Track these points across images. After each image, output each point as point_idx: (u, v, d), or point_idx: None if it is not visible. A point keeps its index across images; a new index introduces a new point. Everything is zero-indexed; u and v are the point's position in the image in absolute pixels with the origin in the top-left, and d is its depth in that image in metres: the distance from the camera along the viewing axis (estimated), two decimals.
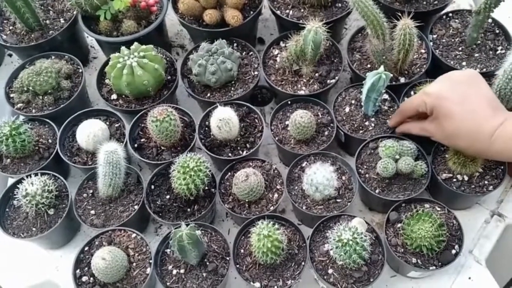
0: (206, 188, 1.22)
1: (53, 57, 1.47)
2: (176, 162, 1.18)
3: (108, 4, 1.44)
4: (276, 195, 1.24)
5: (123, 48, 1.36)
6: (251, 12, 1.48)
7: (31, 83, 1.36)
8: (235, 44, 1.49)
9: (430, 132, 1.18)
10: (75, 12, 1.49)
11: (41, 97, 1.38)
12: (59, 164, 1.32)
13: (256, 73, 1.44)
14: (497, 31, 1.44)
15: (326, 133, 1.34)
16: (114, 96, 1.41)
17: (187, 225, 1.06)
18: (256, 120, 1.37)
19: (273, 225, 1.08)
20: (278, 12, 1.48)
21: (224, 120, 1.25)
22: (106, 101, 1.40)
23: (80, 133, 1.29)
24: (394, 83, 1.37)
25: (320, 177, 1.18)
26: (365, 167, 1.27)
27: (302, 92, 1.39)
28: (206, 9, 1.43)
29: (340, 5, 1.47)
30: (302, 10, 1.48)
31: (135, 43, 1.37)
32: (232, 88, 1.42)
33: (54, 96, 1.39)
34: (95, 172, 1.23)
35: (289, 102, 1.38)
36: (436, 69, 1.41)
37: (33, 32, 1.51)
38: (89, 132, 1.27)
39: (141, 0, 1.44)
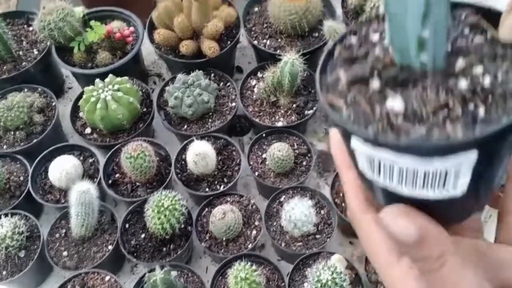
0: (182, 226, 1.19)
1: (26, 89, 1.43)
2: (150, 200, 1.15)
3: (82, 35, 1.42)
4: (254, 231, 1.22)
5: (97, 81, 1.33)
6: (229, 42, 1.46)
7: (2, 119, 1.32)
8: (212, 75, 1.47)
9: None
10: (48, 43, 1.46)
11: (12, 132, 1.35)
12: (31, 203, 1.28)
13: (233, 104, 1.42)
14: None
15: (304, 163, 1.32)
16: (88, 130, 1.38)
17: (162, 267, 1.03)
18: (234, 153, 1.35)
19: (251, 266, 1.06)
20: (255, 42, 1.47)
21: (201, 155, 1.23)
22: (80, 135, 1.37)
23: (52, 171, 1.25)
24: None
25: (298, 213, 1.16)
26: (341, 195, 1.25)
27: (280, 124, 1.37)
28: (182, 40, 1.41)
29: (317, 34, 1.46)
30: (279, 40, 1.47)
31: (110, 76, 1.35)
32: (210, 120, 1.39)
33: (26, 131, 1.35)
34: (68, 210, 1.19)
35: (263, 135, 1.36)
36: None
37: (6, 64, 1.47)
38: (62, 169, 1.24)
39: (115, 31, 1.42)
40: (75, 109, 1.42)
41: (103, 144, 1.35)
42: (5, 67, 1.47)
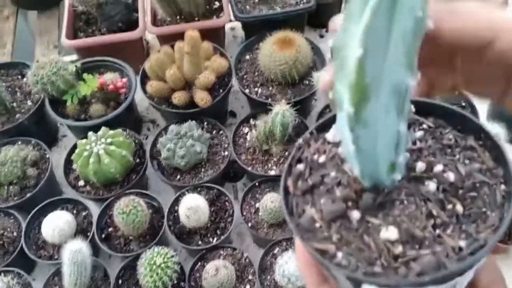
0: (175, 282, 1.19)
1: (19, 142, 1.44)
2: (143, 257, 1.15)
3: (75, 88, 1.43)
4: (248, 286, 1.21)
5: (90, 134, 1.34)
6: (221, 91, 1.47)
7: None
8: (205, 123, 1.48)
9: None
10: (42, 95, 1.48)
11: (5, 187, 1.35)
12: (25, 259, 1.28)
13: (226, 153, 1.42)
14: None
15: None
16: (81, 183, 1.39)
17: None
18: (227, 203, 1.35)
19: None
20: (247, 90, 1.48)
21: (193, 209, 1.23)
22: (73, 188, 1.37)
23: (45, 228, 1.25)
24: None
25: (292, 267, 1.16)
26: None
27: (273, 172, 1.37)
28: (175, 90, 1.43)
29: (307, 82, 1.48)
30: (271, 88, 1.48)
31: (103, 128, 1.35)
32: (202, 170, 1.40)
33: (19, 185, 1.36)
34: (61, 267, 1.19)
35: (256, 184, 1.36)
36: None
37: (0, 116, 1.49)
38: (55, 226, 1.24)
39: (109, 83, 1.43)
40: (69, 161, 1.42)
41: (96, 197, 1.35)
42: None
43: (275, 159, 1.40)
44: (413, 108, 0.37)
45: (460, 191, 0.36)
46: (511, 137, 1.24)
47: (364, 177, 0.36)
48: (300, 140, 0.42)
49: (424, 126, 0.40)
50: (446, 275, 0.33)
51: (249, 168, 1.38)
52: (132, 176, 1.38)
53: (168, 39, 1.55)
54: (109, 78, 1.45)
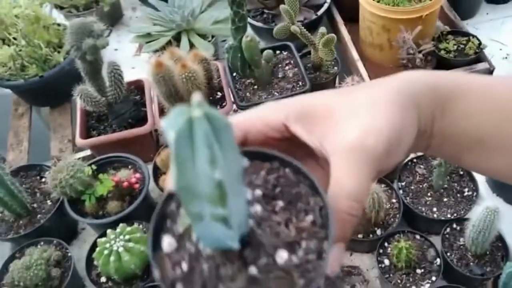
0: None
1: (42, 243, 1.52)
2: None
3: (92, 187, 1.52)
4: None
5: (109, 232, 1.41)
6: None
7: (22, 279, 1.40)
8: None
9: None
10: (61, 197, 1.56)
11: None
12: None
13: None
14: (461, 173, 1.53)
15: None
16: (103, 279, 1.45)
17: None
18: None
19: None
20: None
21: None
22: (96, 285, 1.43)
23: None
24: (371, 236, 1.43)
25: None
26: None
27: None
28: None
29: None
30: None
31: (121, 225, 1.43)
32: None
33: (44, 287, 1.42)
34: None
35: None
36: (409, 216, 1.49)
37: (21, 218, 1.57)
38: None
39: (123, 180, 1.52)
40: (90, 258, 1.49)
41: None
42: (21, 222, 1.56)
43: None
44: None
45: (272, 195, 0.42)
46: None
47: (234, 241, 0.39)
48: (156, 273, 0.40)
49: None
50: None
51: None
52: (151, 269, 1.45)
53: None
54: (123, 175, 1.54)
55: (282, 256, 0.38)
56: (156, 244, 0.40)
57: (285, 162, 0.44)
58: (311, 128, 0.47)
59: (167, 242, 0.40)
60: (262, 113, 0.49)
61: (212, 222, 0.36)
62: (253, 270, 0.38)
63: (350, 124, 0.46)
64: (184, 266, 0.39)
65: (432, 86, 0.50)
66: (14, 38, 1.91)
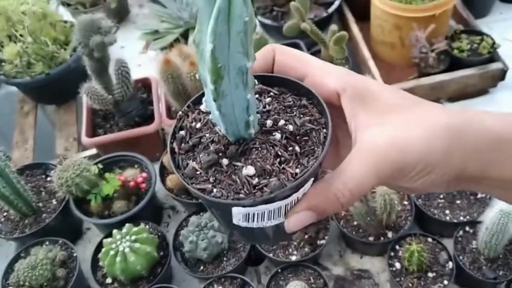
0: None
1: (47, 243, 1.50)
2: None
3: (98, 186, 1.49)
4: None
5: (114, 232, 1.39)
6: None
7: (27, 278, 1.37)
8: None
9: None
10: (66, 196, 1.54)
11: None
12: None
13: None
14: None
15: None
16: (109, 280, 1.43)
17: None
18: None
19: None
20: None
21: None
22: (101, 286, 1.41)
23: None
24: (382, 239, 1.40)
25: None
26: None
27: (294, 258, 1.41)
28: None
29: None
30: None
31: (127, 225, 1.41)
32: (225, 259, 1.44)
33: (50, 287, 1.40)
34: None
35: (279, 270, 1.40)
36: (421, 218, 1.45)
37: (27, 217, 1.55)
38: None
39: (129, 179, 1.50)
40: (95, 258, 1.47)
41: None
42: (26, 221, 1.54)
43: (295, 243, 1.43)
44: (257, 82, 0.51)
45: (297, 137, 0.50)
46: None
47: (229, 134, 0.49)
48: (180, 112, 0.53)
49: (271, 93, 0.53)
50: (286, 191, 0.46)
51: (270, 255, 1.41)
52: (158, 270, 1.42)
53: None
54: (130, 174, 1.51)
55: (249, 170, 0.47)
56: (195, 103, 0.54)
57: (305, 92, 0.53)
58: (359, 111, 0.49)
59: (205, 104, 0.52)
60: (325, 68, 0.52)
61: (209, 94, 0.45)
62: (224, 161, 0.48)
63: (390, 129, 0.48)
64: (198, 124, 0.52)
65: (494, 135, 0.49)
66: (21, 35, 1.89)
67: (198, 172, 0.48)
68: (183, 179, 0.49)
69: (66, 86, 1.86)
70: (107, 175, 1.49)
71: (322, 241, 1.43)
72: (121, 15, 2.36)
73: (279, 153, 0.48)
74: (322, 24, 1.89)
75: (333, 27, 1.59)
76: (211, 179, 0.48)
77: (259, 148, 0.49)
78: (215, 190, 0.47)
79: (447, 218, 1.42)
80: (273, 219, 0.48)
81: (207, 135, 0.51)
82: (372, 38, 1.99)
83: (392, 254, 1.38)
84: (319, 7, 1.96)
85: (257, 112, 0.51)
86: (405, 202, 1.46)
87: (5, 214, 1.58)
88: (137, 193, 1.55)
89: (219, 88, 0.44)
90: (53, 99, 2.04)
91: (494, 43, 1.79)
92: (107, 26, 1.54)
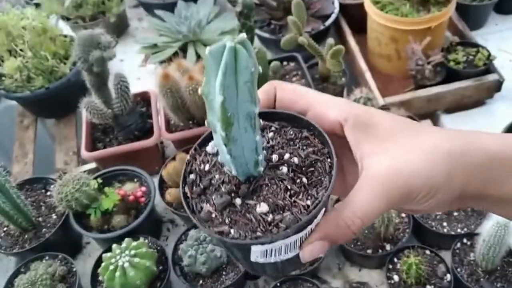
0: None
1: (47, 257, 1.50)
2: None
3: (97, 201, 1.50)
4: None
5: (114, 246, 1.39)
6: None
7: None
8: None
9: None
10: (66, 211, 1.55)
11: None
12: None
13: None
14: None
15: None
16: None
17: None
18: None
19: None
20: None
21: None
22: None
23: None
24: (380, 251, 1.41)
25: None
26: None
27: (293, 272, 1.41)
28: None
29: None
30: None
31: (126, 240, 1.41)
32: (224, 273, 1.44)
33: None
34: None
35: (278, 284, 1.40)
36: (419, 231, 1.46)
37: (26, 232, 1.55)
38: None
39: (129, 193, 1.50)
40: (95, 273, 1.47)
41: None
42: (26, 236, 1.55)
43: None
44: (261, 122, 0.53)
45: (303, 168, 0.51)
46: None
47: (240, 174, 0.50)
48: (188, 157, 0.55)
49: (273, 128, 0.55)
50: (302, 225, 0.47)
51: None
52: (157, 284, 1.43)
53: (182, 143, 1.64)
54: (129, 189, 1.52)
55: (263, 208, 0.48)
56: (201, 145, 0.55)
57: (305, 123, 0.54)
58: (362, 140, 0.51)
59: (211, 147, 0.53)
60: (326, 100, 0.54)
61: (219, 139, 0.47)
62: (237, 201, 0.49)
63: (393, 156, 0.50)
64: (206, 167, 0.53)
65: (493, 155, 0.51)
66: (21, 50, 1.91)
67: (213, 215, 0.49)
68: (200, 223, 0.49)
69: (66, 100, 1.87)
70: (106, 189, 1.50)
71: (321, 254, 1.43)
72: (120, 28, 2.38)
73: (288, 187, 0.49)
74: (319, 37, 1.91)
75: (330, 40, 1.61)
76: (227, 220, 0.49)
77: (269, 184, 0.50)
78: (232, 231, 0.48)
79: (445, 230, 1.43)
80: (290, 252, 0.49)
81: (216, 176, 0.52)
82: (369, 50, 2.01)
83: (390, 266, 1.39)
84: (316, 20, 1.98)
85: (263, 148, 0.52)
86: (403, 215, 1.47)
87: (5, 229, 1.59)
88: (137, 207, 1.55)
89: (230, 133, 0.46)
90: (53, 113, 2.05)
91: (489, 54, 1.80)
92: (107, 41, 1.55)
